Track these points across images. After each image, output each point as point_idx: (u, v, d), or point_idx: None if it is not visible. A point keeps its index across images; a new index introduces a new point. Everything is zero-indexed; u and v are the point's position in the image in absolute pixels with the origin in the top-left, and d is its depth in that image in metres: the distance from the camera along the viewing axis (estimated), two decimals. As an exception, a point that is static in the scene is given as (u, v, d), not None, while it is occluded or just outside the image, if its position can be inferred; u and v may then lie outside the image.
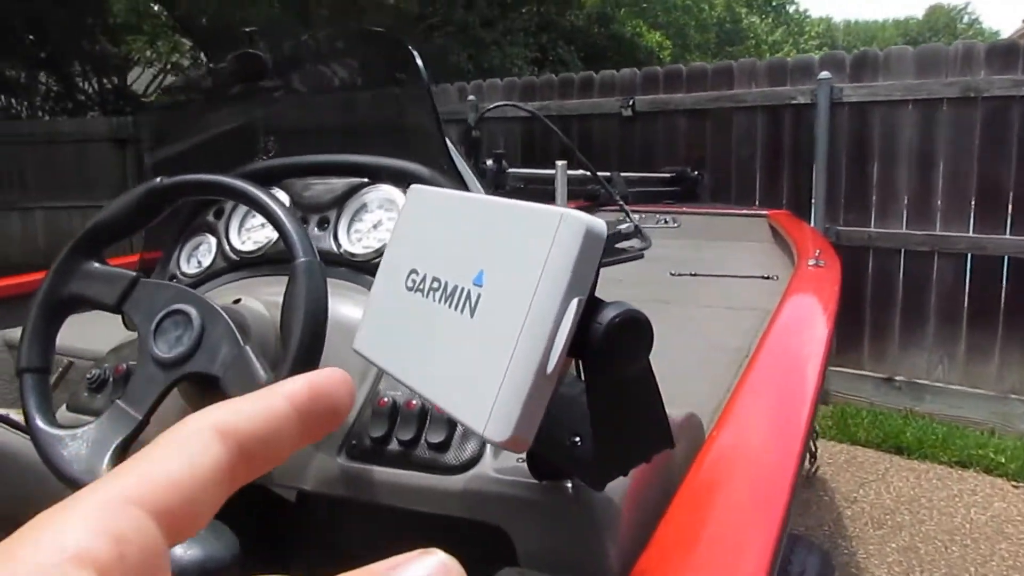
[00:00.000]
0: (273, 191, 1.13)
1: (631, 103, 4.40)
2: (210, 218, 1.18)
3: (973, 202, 3.50)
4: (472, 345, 0.52)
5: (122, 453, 0.80)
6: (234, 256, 1.13)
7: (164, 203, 0.94)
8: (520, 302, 0.50)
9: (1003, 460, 3.17)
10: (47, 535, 0.19)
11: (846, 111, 3.75)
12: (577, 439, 0.58)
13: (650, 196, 3.47)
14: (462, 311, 0.55)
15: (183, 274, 1.16)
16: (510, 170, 2.80)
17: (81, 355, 1.29)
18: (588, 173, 2.63)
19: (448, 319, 0.56)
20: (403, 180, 1.08)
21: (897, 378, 3.74)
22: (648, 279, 1.99)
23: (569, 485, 0.73)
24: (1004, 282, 3.47)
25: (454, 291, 0.56)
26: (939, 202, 3.59)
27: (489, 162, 2.73)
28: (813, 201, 3.86)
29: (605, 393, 0.55)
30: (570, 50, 10.98)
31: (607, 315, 0.51)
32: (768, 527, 0.67)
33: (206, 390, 0.84)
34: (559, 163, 2.33)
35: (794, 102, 3.90)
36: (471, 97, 5.01)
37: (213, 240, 1.17)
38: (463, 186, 1.08)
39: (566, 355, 0.49)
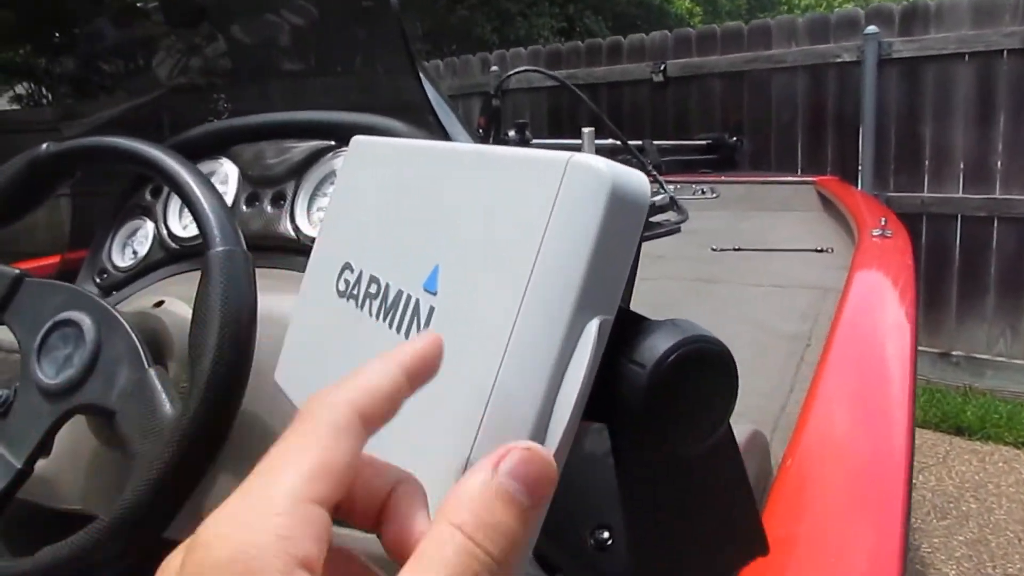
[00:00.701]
0: (218, 161, 0.93)
1: (662, 68, 4.17)
2: (147, 197, 0.97)
3: (1037, 162, 3.23)
4: (421, 393, 0.33)
5: None
6: (173, 244, 0.92)
7: (55, 176, 0.74)
8: (495, 326, 0.29)
9: (1074, 440, 2.94)
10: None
11: (895, 68, 3.48)
12: (606, 534, 0.35)
13: (685, 165, 3.27)
14: (407, 334, 0.35)
15: (115, 267, 0.96)
16: (533, 140, 2.62)
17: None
18: (618, 142, 2.44)
19: (385, 348, 0.37)
20: None
21: (954, 353, 3.50)
22: (687, 255, 1.80)
23: None
24: (1072, 247, 3.21)
25: (397, 300, 0.36)
26: (999, 163, 3.32)
27: (511, 132, 2.56)
28: (860, 166, 3.61)
29: (650, 482, 0.33)
30: (597, 20, 10.69)
31: (656, 348, 0.29)
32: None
33: (105, 424, 0.66)
34: (586, 130, 2.14)
35: (838, 60, 3.64)
36: (494, 68, 4.81)
37: (150, 225, 0.96)
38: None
39: (579, 420, 0.28)
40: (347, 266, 0.42)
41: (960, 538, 2.42)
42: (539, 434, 0.28)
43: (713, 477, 0.34)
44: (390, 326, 0.36)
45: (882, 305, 1.16)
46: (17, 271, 0.71)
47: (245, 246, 0.64)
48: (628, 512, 0.33)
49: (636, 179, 0.28)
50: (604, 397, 0.29)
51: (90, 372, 0.64)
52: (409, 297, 0.35)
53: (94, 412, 0.66)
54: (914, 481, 2.76)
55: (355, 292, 0.40)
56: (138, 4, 0.99)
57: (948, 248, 3.48)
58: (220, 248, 0.62)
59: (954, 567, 2.27)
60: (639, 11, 11.95)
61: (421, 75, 0.80)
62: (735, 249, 1.86)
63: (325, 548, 0.22)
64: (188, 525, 0.75)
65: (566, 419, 0.27)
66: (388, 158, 0.43)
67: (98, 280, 0.95)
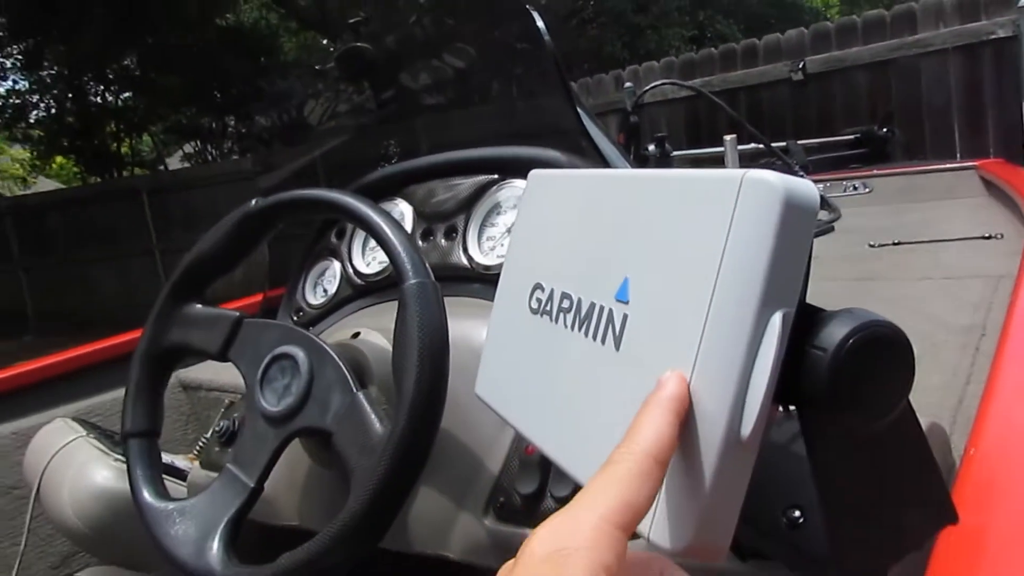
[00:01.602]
0: (394, 203, 1.01)
1: (801, 66, 4.08)
2: (332, 240, 1.06)
3: None
4: (620, 393, 0.37)
5: (234, 529, 0.70)
6: (359, 281, 1.01)
7: (264, 227, 0.83)
8: (687, 326, 0.34)
9: None
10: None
11: (1058, 37, 3.28)
12: (797, 513, 0.39)
13: (835, 162, 3.17)
14: (603, 341, 0.39)
15: (309, 305, 1.05)
16: (675, 153, 2.63)
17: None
18: (761, 146, 2.41)
19: (585, 354, 0.41)
20: None
21: None
22: (843, 254, 1.76)
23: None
24: None
25: (590, 312, 0.41)
26: None
27: (651, 147, 2.57)
28: (1026, 146, 3.40)
29: (840, 460, 0.36)
30: (729, 23, 10.50)
31: (834, 334, 0.33)
32: None
33: (324, 444, 0.73)
34: (728, 137, 2.14)
35: (993, 36, 3.46)
36: (628, 84, 4.81)
37: (337, 264, 1.04)
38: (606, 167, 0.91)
39: (770, 404, 0.32)
40: (538, 286, 0.47)
41: None
42: (735, 419, 0.32)
43: (898, 451, 0.37)
44: (586, 334, 0.41)
45: (1064, 288, 1.11)
46: (237, 313, 0.80)
47: (434, 277, 0.70)
48: (820, 488, 0.36)
49: (805, 187, 0.32)
50: (791, 382, 0.33)
51: (306, 399, 0.71)
52: (602, 308, 0.40)
53: (313, 434, 0.73)
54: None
55: (548, 308, 0.45)
56: (316, 67, 1.10)
57: None
58: (413, 280, 0.68)
59: None
60: (772, 9, 11.65)
61: (578, 108, 0.85)
62: (894, 243, 1.80)
63: (623, 563, 0.29)
64: (406, 538, 0.82)
65: (759, 403, 0.31)
66: (566, 188, 0.48)
67: (295, 318, 1.05)
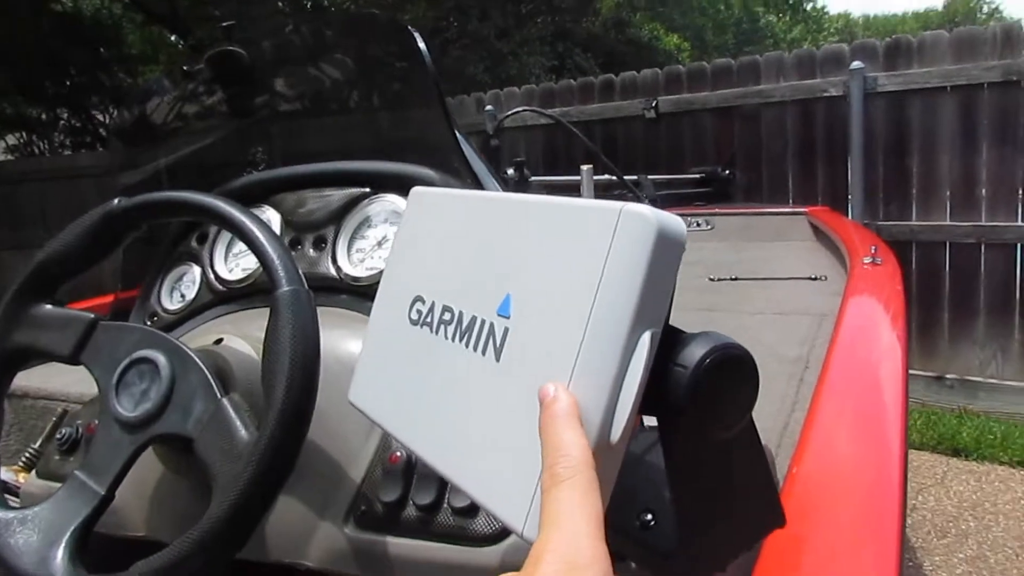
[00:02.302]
0: (261, 209, 1.00)
1: (654, 104, 4.27)
2: (193, 244, 1.04)
3: (1021, 190, 3.33)
4: (499, 402, 0.40)
5: (82, 538, 0.68)
6: (220, 287, 0.99)
7: (125, 229, 0.80)
8: (565, 340, 0.37)
9: (1067, 458, 2.99)
10: None
11: (881, 101, 3.60)
12: (649, 517, 0.43)
13: (680, 198, 3.34)
14: (483, 352, 0.42)
15: (165, 310, 1.02)
16: (533, 178, 2.69)
17: (79, 400, 1.15)
18: (614, 177, 2.51)
19: (465, 364, 0.43)
20: (409, 187, 0.92)
21: (948, 376, 3.57)
22: (686, 285, 1.87)
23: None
24: (1058, 271, 3.30)
25: (471, 325, 0.44)
26: (984, 191, 3.42)
27: (510, 171, 2.62)
28: (850, 196, 3.71)
29: (692, 465, 0.40)
30: (587, 57, 10.87)
31: (694, 353, 0.37)
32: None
33: (182, 453, 0.72)
34: (584, 167, 2.22)
35: (826, 94, 3.75)
36: (489, 107, 4.90)
37: (197, 269, 1.02)
38: (480, 188, 0.94)
39: (636, 414, 0.36)
40: (419, 298, 0.49)
41: (960, 555, 2.47)
42: (607, 426, 0.35)
43: (740, 459, 0.42)
44: (467, 345, 0.44)
45: (875, 329, 1.24)
46: (92, 315, 0.77)
47: (307, 285, 0.70)
48: (674, 490, 0.40)
49: (675, 222, 0.36)
50: (652, 393, 0.37)
51: (166, 404, 0.70)
52: (484, 321, 0.43)
53: (172, 441, 0.71)
54: (913, 502, 2.82)
55: (429, 320, 0.48)
56: (184, 68, 1.07)
57: (938, 274, 3.57)
58: (287, 288, 0.68)
59: (955, 584, 2.32)
60: (628, 48, 12.14)
61: (455, 130, 0.87)
62: (732, 279, 1.93)
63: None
64: (264, 548, 0.81)
65: (628, 411, 0.35)
66: (450, 207, 0.51)
67: (149, 323, 1.02)
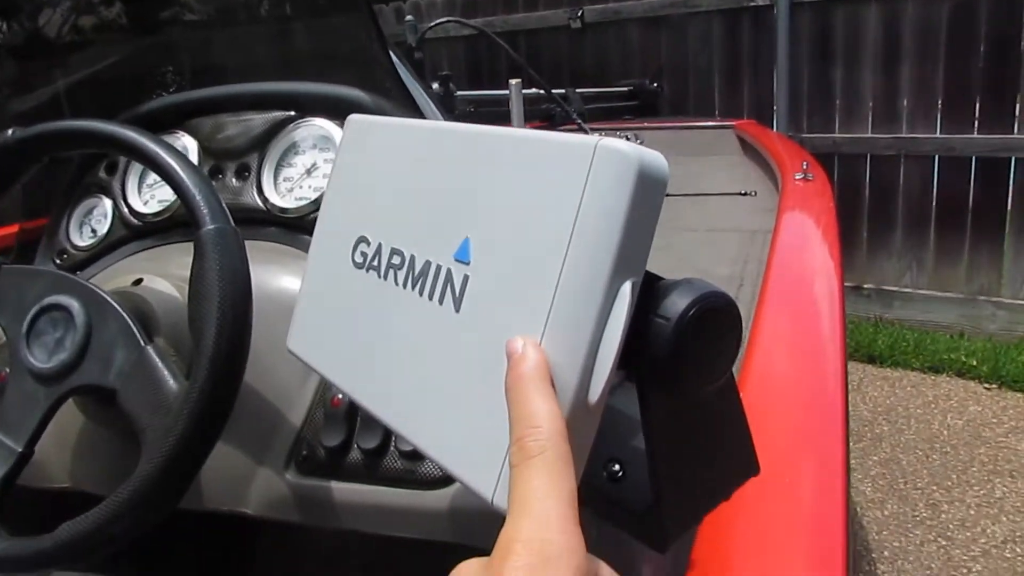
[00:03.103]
0: (176, 136, 0.92)
1: (580, 14, 4.18)
2: (102, 175, 0.96)
3: (940, 102, 3.38)
4: (460, 357, 0.36)
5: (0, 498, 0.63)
6: (135, 221, 0.92)
7: (23, 162, 0.74)
8: (535, 290, 0.33)
9: (974, 363, 3.14)
10: None
11: (807, 11, 3.58)
12: (617, 467, 0.40)
13: (608, 112, 3.30)
14: (440, 301, 0.38)
15: (75, 247, 0.95)
16: (458, 93, 2.61)
17: None
18: (542, 91, 2.46)
19: (420, 314, 0.39)
20: (339, 111, 0.86)
21: (866, 286, 3.68)
22: None
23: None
24: (972, 183, 3.39)
25: (425, 271, 0.40)
26: (905, 103, 3.46)
27: (435, 85, 2.54)
28: (776, 108, 3.72)
29: (670, 420, 0.37)
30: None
31: (677, 304, 0.34)
32: (833, 503, 0.55)
33: (106, 404, 0.67)
34: (513, 81, 2.15)
35: (752, 4, 3.71)
36: (409, 17, 4.69)
37: (108, 202, 0.95)
38: (417, 114, 0.87)
39: (616, 369, 0.32)
40: (363, 240, 0.45)
41: (874, 458, 2.58)
42: (583, 387, 0.32)
43: (718, 410, 0.39)
44: (420, 293, 0.39)
45: (810, 247, 1.24)
46: None
47: (233, 222, 0.65)
48: (651, 447, 0.37)
49: (657, 159, 0.33)
50: (631, 347, 0.34)
51: (84, 354, 0.65)
52: (439, 267, 0.39)
53: (92, 392, 0.67)
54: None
55: (375, 264, 0.43)
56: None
57: (859, 186, 3.63)
58: (211, 226, 0.63)
59: (869, 484, 2.43)
60: (552, -45, 11.82)
61: (391, 52, 0.81)
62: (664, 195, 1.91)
63: (590, 563, 0.30)
64: (200, 496, 0.77)
65: (608, 369, 0.32)
66: (395, 137, 0.46)
67: (58, 261, 0.94)
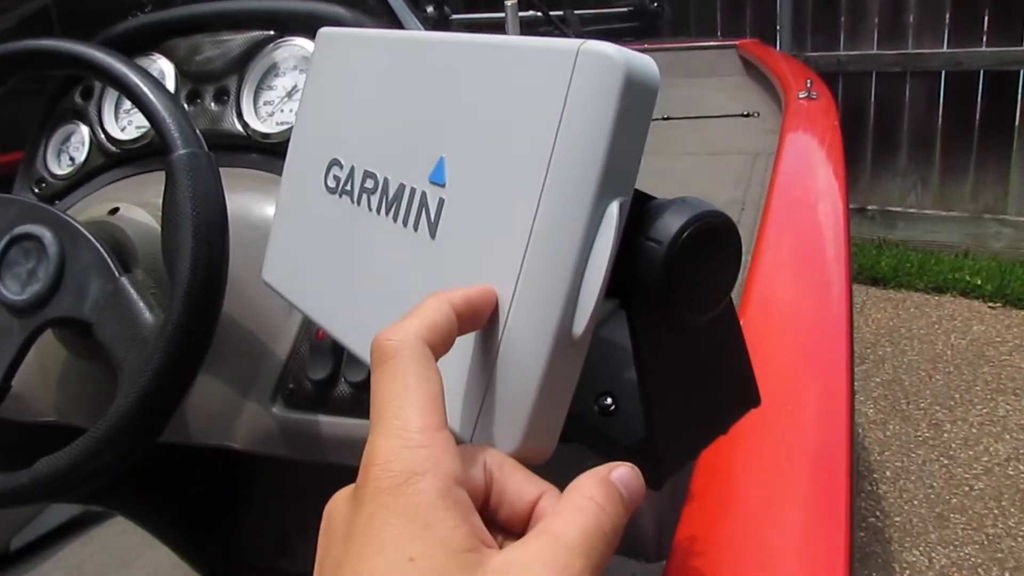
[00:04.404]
0: (151, 58, 0.89)
1: (578, -67, 4.04)
2: (77, 100, 0.92)
3: (948, 15, 3.29)
4: (437, 283, 0.33)
5: None
6: (113, 148, 0.88)
7: None
8: (515, 213, 0.31)
9: (979, 282, 3.12)
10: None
11: (811, -76, 3.46)
12: (609, 401, 0.38)
13: (608, 34, 3.22)
14: (415, 227, 0.36)
15: (53, 176, 0.92)
16: (454, 17, 2.55)
17: None
18: (539, 14, 2.39)
19: (394, 241, 0.37)
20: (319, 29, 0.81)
21: (870, 207, 3.64)
22: None
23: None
24: (979, 98, 3.32)
25: (399, 194, 0.37)
26: (911, 19, 3.37)
27: (429, 9, 2.47)
28: (779, 27, 3.62)
29: (663, 351, 0.35)
30: None
31: (670, 225, 0.31)
32: (837, 429, 0.54)
33: (81, 334, 0.66)
34: (508, 3, 2.09)
35: (755, -82, 3.59)
36: (404, -61, 4.59)
37: (85, 129, 0.91)
38: (397, 27, 0.84)
39: (603, 297, 0.30)
40: (335, 163, 0.42)
41: (877, 380, 2.59)
42: (568, 316, 0.30)
43: (716, 340, 0.37)
44: (395, 219, 0.37)
45: (813, 168, 1.21)
46: None
47: (206, 146, 0.63)
48: (643, 379, 0.35)
49: (646, 63, 0.29)
50: (621, 274, 0.31)
51: (58, 285, 0.64)
52: (414, 190, 0.36)
53: (68, 325, 0.65)
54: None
55: (348, 188, 0.41)
56: None
57: (863, 105, 3.56)
58: (183, 151, 0.61)
59: (872, 406, 2.44)
60: None
61: None
62: (664, 118, 1.87)
63: (459, 462, 0.28)
64: (185, 431, 0.76)
65: (594, 297, 0.29)
66: (366, 51, 0.43)
67: (36, 190, 0.92)
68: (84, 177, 0.90)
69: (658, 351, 0.35)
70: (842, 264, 0.80)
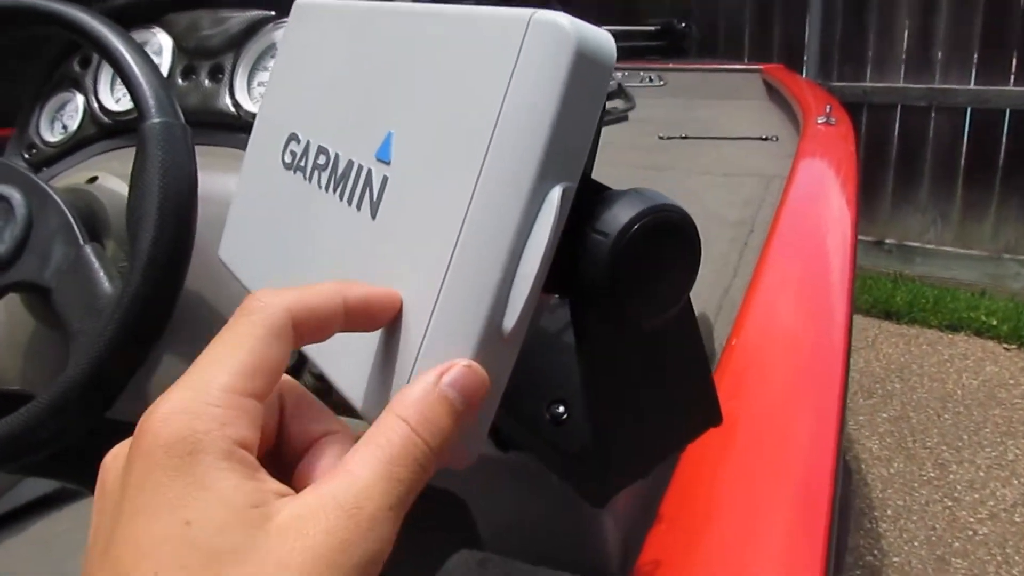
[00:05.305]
0: (151, 31, 0.88)
1: (610, -50, 4.04)
2: (75, 68, 0.91)
3: (976, 53, 3.26)
4: (372, 272, 0.32)
5: None
6: (105, 119, 0.87)
7: None
8: (452, 196, 0.29)
9: (994, 322, 3.08)
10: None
11: (844, -47, 3.45)
12: (561, 408, 0.36)
13: (633, 52, 3.21)
14: (359, 206, 0.33)
15: (45, 143, 0.91)
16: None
17: None
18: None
19: (338, 220, 0.35)
20: None
21: (887, 241, 3.61)
22: (635, 143, 1.80)
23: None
24: (1004, 136, 3.29)
25: (347, 171, 0.35)
26: (939, 53, 3.35)
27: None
28: (806, 55, 3.61)
29: (611, 355, 0.32)
30: None
31: (619, 217, 0.28)
32: (822, 470, 0.51)
33: (45, 301, 0.64)
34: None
35: (788, -56, 3.58)
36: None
37: (80, 98, 0.90)
38: None
39: (539, 293, 0.28)
40: (293, 136, 0.41)
41: (884, 415, 2.55)
42: (498, 309, 0.27)
43: (672, 349, 0.34)
44: (340, 198, 0.35)
45: (825, 193, 1.19)
46: None
47: (183, 118, 0.61)
48: (587, 385, 0.33)
49: (602, 37, 0.27)
50: (565, 268, 0.29)
51: (22, 249, 0.62)
52: (360, 167, 0.34)
53: (28, 290, 0.64)
54: (844, 363, 2.89)
55: (303, 164, 0.39)
56: None
57: (887, 137, 3.54)
58: (156, 120, 0.59)
59: (877, 442, 2.41)
60: None
61: None
62: (682, 137, 1.86)
63: (259, 434, 0.25)
64: (133, 406, 0.75)
65: (527, 291, 0.27)
66: (334, 21, 0.41)
67: (27, 156, 0.91)
68: (75, 146, 0.89)
69: (605, 354, 0.32)
70: (844, 291, 0.78)
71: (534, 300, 0.27)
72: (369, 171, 0.33)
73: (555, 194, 0.27)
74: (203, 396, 0.24)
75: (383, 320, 0.30)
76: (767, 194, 1.33)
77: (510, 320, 0.27)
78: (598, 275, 0.29)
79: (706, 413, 0.36)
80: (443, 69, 0.31)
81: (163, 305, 0.57)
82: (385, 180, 0.32)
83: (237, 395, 0.25)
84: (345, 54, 0.39)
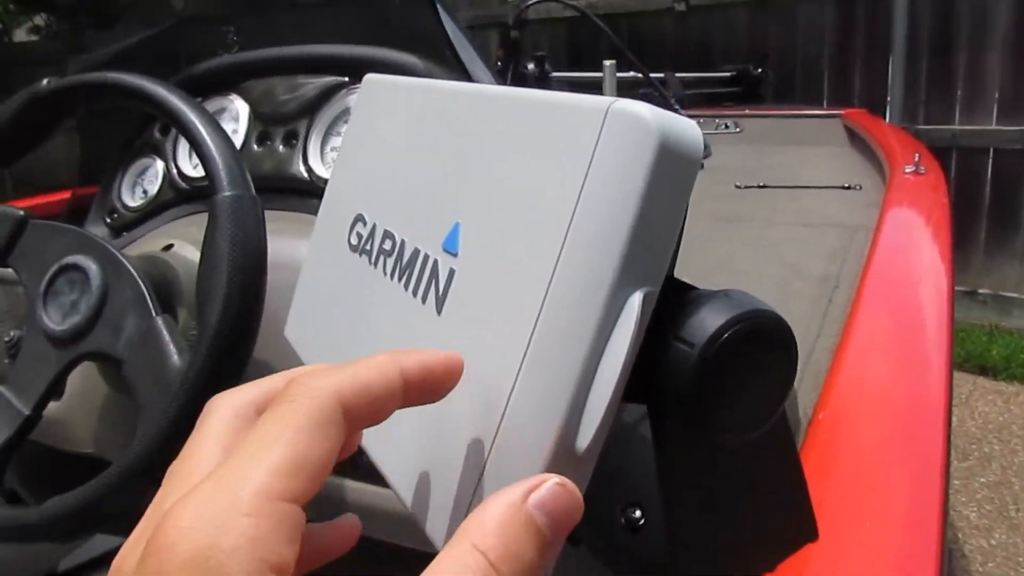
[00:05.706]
0: (229, 99, 0.89)
1: (685, -3, 4.03)
2: (156, 135, 0.94)
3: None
4: None
5: (2, 459, 0.61)
6: (184, 184, 0.89)
7: (56, 113, 0.72)
8: (522, 298, 0.26)
9: (1101, 379, 2.88)
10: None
11: (929, -7, 3.35)
12: (638, 513, 0.32)
13: (709, 98, 3.17)
14: (424, 299, 0.31)
15: (126, 207, 0.93)
16: (554, 74, 2.54)
17: None
18: (639, 75, 2.35)
19: (402, 311, 0.33)
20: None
21: (981, 291, 3.43)
22: (710, 193, 1.75)
23: None
24: (1108, 182, 3.11)
25: (413, 260, 0.33)
26: (1035, 93, 3.20)
27: (530, 66, 2.48)
28: (889, 98, 3.49)
29: (695, 469, 0.29)
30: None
31: (706, 325, 0.26)
32: (928, 529, 0.46)
33: (114, 371, 0.65)
34: (607, 63, 2.06)
35: (868, -13, 3.50)
36: (511, -2, 4.67)
37: (160, 164, 0.93)
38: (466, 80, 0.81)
39: (618, 404, 0.24)
40: (360, 218, 0.39)
41: (982, 480, 2.39)
42: (574, 419, 0.24)
43: (763, 465, 0.30)
44: (406, 287, 0.33)
45: (916, 245, 1.11)
46: (22, 212, 0.69)
47: (254, 190, 0.61)
48: (665, 496, 0.29)
49: (687, 128, 0.24)
50: (645, 376, 0.26)
51: (96, 319, 0.63)
52: (427, 257, 0.32)
53: (101, 359, 0.65)
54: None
55: (368, 247, 0.37)
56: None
57: (979, 183, 3.38)
58: (228, 193, 0.59)
59: (975, 509, 2.25)
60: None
61: (439, 7, 0.75)
62: (759, 186, 1.80)
63: (298, 548, 0.21)
64: None
65: (605, 403, 0.24)
66: (405, 99, 0.39)
67: (108, 220, 0.95)
68: (154, 211, 0.92)
69: (687, 464, 0.29)
70: (943, 351, 0.71)
71: (611, 416, 0.24)
72: (436, 262, 0.31)
73: (635, 300, 0.24)
74: (232, 502, 0.20)
75: (447, 387, 0.26)
76: (852, 246, 1.25)
77: (584, 438, 0.24)
78: (681, 388, 0.26)
79: (799, 528, 0.32)
80: (514, 158, 0.29)
81: (229, 379, 0.57)
82: (452, 273, 0.30)
83: (271, 499, 0.21)
84: (414, 134, 0.37)
